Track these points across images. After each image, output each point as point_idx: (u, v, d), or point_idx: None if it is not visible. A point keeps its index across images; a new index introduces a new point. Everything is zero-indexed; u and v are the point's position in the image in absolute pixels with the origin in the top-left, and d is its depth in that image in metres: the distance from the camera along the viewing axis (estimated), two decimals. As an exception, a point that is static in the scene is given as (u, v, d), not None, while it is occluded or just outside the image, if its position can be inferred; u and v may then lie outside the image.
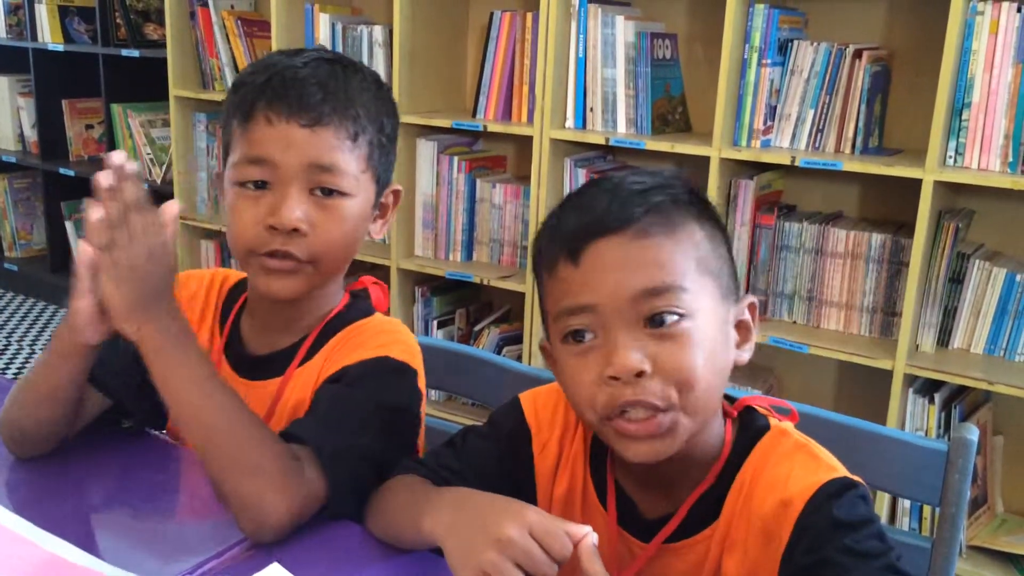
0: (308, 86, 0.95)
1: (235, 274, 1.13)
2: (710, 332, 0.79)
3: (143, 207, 0.84)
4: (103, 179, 0.82)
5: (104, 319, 0.87)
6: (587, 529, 0.73)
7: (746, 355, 0.85)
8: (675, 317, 0.77)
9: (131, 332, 0.86)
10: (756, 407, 0.88)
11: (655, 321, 0.77)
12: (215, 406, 0.87)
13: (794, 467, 0.81)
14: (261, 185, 0.96)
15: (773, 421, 0.87)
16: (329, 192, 0.97)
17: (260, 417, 0.91)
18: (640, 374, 0.76)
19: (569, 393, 0.83)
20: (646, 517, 0.87)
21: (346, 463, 0.90)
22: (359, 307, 1.07)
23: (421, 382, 1.03)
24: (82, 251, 0.84)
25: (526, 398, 0.96)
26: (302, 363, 1.02)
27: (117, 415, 1.06)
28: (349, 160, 0.97)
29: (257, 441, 0.87)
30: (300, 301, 1.02)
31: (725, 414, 0.87)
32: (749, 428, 0.86)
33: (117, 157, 0.82)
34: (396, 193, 1.07)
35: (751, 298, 0.85)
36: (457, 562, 0.76)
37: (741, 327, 0.84)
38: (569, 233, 0.81)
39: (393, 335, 1.03)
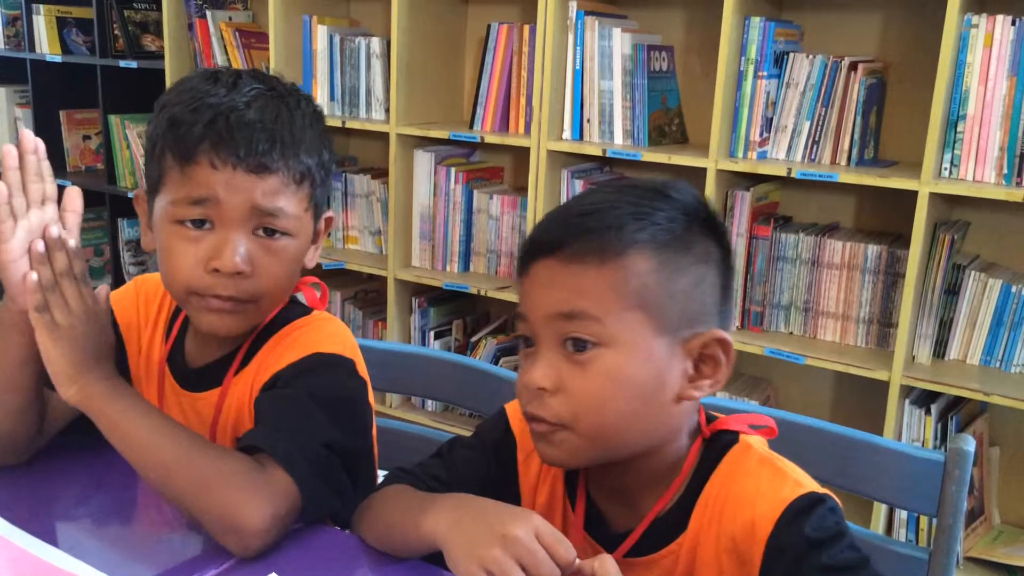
0: (255, 132, 0.93)
1: None
2: (632, 365, 0.78)
3: (76, 278, 0.90)
4: (36, 246, 0.90)
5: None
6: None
7: (699, 392, 0.81)
8: (590, 344, 0.78)
9: (72, 396, 0.90)
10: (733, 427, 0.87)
11: (577, 345, 0.79)
12: (167, 444, 0.88)
13: (761, 483, 0.81)
14: (200, 224, 0.94)
15: (743, 436, 0.86)
16: (272, 232, 0.96)
17: (205, 436, 0.95)
18: (543, 390, 0.80)
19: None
20: (614, 531, 0.87)
21: (305, 457, 0.90)
22: (294, 310, 1.07)
23: (361, 370, 1.03)
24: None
25: (512, 407, 0.96)
26: (238, 371, 1.03)
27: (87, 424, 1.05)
28: (293, 203, 0.97)
29: (215, 460, 0.88)
30: None
31: (698, 433, 0.86)
32: (715, 443, 0.86)
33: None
34: (328, 220, 1.07)
35: (717, 332, 0.80)
36: (460, 557, 0.75)
37: (706, 361, 0.81)
38: (523, 246, 0.85)
39: (321, 331, 1.03)
